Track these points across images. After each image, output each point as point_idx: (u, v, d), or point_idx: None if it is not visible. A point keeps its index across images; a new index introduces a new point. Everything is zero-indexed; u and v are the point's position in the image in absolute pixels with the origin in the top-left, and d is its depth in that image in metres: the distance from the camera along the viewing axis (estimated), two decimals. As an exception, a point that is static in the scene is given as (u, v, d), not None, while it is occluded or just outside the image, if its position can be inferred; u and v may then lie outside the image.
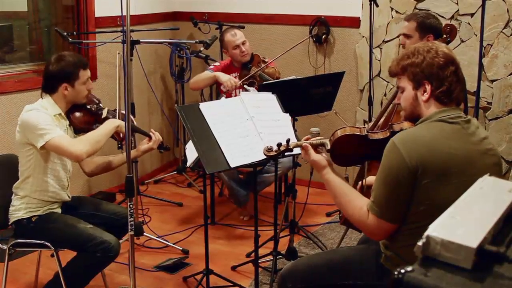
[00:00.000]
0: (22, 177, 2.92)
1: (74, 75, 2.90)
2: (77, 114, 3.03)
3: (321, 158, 2.21)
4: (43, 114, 2.82)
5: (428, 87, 2.02)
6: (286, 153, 2.33)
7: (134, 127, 3.15)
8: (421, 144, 1.93)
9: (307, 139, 2.29)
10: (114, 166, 3.18)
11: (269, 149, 2.31)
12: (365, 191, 2.42)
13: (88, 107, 3.05)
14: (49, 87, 2.93)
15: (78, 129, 3.05)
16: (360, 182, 2.51)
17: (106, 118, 3.07)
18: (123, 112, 3.15)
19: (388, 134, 2.15)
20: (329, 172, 2.19)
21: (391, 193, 1.96)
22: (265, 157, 2.37)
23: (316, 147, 2.24)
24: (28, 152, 2.86)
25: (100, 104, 3.13)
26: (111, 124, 2.95)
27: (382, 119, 3.08)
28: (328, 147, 2.21)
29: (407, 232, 2.00)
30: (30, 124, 2.79)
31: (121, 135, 3.02)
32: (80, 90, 2.94)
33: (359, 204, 2.08)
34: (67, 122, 2.99)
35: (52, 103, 2.92)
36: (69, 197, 3.07)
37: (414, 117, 2.10)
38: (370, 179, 2.44)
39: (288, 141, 2.29)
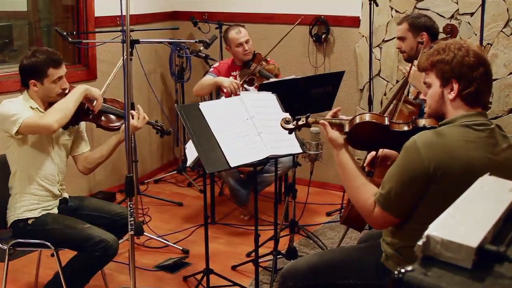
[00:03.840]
0: (12, 173, 2.93)
1: (42, 72, 2.85)
2: None
3: (338, 136, 2.18)
4: (13, 103, 2.85)
5: (455, 86, 1.97)
6: (303, 127, 2.31)
7: (109, 108, 3.14)
8: (442, 150, 1.90)
9: (333, 116, 2.25)
10: (106, 154, 3.12)
11: (287, 121, 2.29)
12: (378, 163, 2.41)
13: None
14: (22, 81, 2.93)
15: (65, 124, 3.03)
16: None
17: (88, 108, 3.06)
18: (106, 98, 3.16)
19: (411, 127, 2.11)
20: (344, 152, 2.16)
21: (402, 190, 1.96)
22: (281, 127, 2.32)
23: (335, 126, 2.21)
24: (10, 147, 2.88)
25: None
26: (78, 90, 2.93)
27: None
28: (346, 129, 2.17)
29: (412, 233, 1.98)
30: (3, 114, 2.80)
31: (94, 103, 2.99)
32: (50, 89, 2.89)
33: (367, 193, 2.07)
34: None
35: (28, 98, 2.92)
36: (60, 191, 3.05)
37: (438, 115, 2.06)
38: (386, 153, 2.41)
39: (307, 116, 2.26)
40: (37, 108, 2.91)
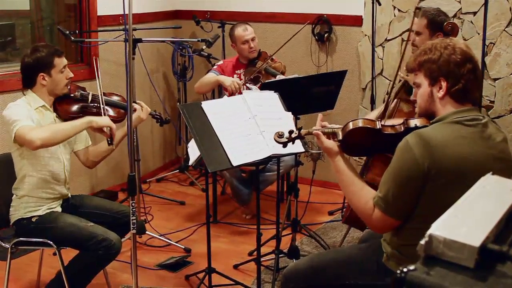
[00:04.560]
0: (19, 177, 2.92)
1: (49, 63, 2.89)
2: (63, 104, 3.02)
3: (333, 145, 2.20)
4: (18, 108, 2.83)
5: (443, 84, 1.99)
6: (297, 140, 2.34)
7: (110, 101, 3.15)
8: (435, 147, 1.92)
9: (322, 126, 2.28)
10: (112, 147, 3.12)
11: (280, 135, 2.32)
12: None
13: (72, 95, 3.05)
14: (27, 80, 2.94)
15: (68, 119, 3.03)
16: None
17: (93, 102, 3.08)
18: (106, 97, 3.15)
19: (403, 129, 2.13)
20: (340, 159, 2.19)
21: (399, 191, 1.97)
22: (275, 143, 2.35)
23: (328, 135, 2.23)
24: (18, 151, 2.87)
25: (85, 91, 3.13)
26: (81, 119, 2.90)
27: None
28: (340, 137, 2.19)
29: (411, 232, 2.01)
30: (6, 120, 2.81)
31: (104, 129, 2.93)
32: (58, 79, 2.93)
33: (365, 197, 2.08)
34: (54, 114, 2.98)
35: (34, 96, 2.92)
36: (67, 190, 3.06)
37: (428, 114, 2.08)
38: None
39: (299, 129, 2.30)
40: (44, 105, 2.93)
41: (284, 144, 2.35)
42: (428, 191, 1.94)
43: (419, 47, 3.29)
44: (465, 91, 1.99)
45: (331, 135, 2.23)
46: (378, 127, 2.16)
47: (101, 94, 3.04)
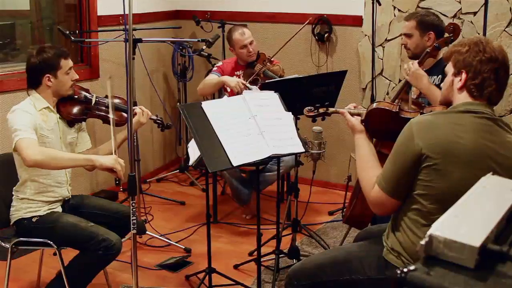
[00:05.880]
0: (21, 181, 2.92)
1: (55, 65, 2.90)
2: (66, 105, 3.02)
3: (358, 123, 2.40)
4: (22, 115, 2.80)
5: (463, 76, 2.06)
6: (325, 116, 2.63)
7: (112, 104, 3.14)
8: (432, 130, 2.00)
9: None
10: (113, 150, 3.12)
11: (310, 110, 2.62)
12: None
13: (76, 97, 3.05)
14: (33, 80, 2.94)
15: (71, 121, 3.05)
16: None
17: (96, 104, 3.07)
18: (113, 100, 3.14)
19: (418, 114, 2.26)
20: (362, 137, 2.37)
21: (397, 169, 2.06)
22: (306, 116, 2.64)
23: (353, 116, 2.44)
24: (19, 156, 2.84)
25: (89, 93, 3.12)
26: (86, 156, 2.86)
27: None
28: (363, 117, 2.40)
29: (407, 214, 2.09)
30: (10, 125, 2.80)
31: (113, 170, 2.79)
32: (64, 80, 2.94)
33: (372, 174, 2.19)
34: (57, 116, 2.98)
35: (38, 97, 2.92)
36: (69, 192, 3.06)
37: (447, 102, 2.17)
38: None
39: (327, 105, 2.59)
40: (48, 107, 2.93)
41: (313, 118, 2.64)
42: (421, 172, 2.01)
43: (411, 49, 3.36)
44: (481, 88, 2.04)
45: (356, 116, 2.43)
46: (396, 110, 2.34)
47: (111, 102, 3.00)
